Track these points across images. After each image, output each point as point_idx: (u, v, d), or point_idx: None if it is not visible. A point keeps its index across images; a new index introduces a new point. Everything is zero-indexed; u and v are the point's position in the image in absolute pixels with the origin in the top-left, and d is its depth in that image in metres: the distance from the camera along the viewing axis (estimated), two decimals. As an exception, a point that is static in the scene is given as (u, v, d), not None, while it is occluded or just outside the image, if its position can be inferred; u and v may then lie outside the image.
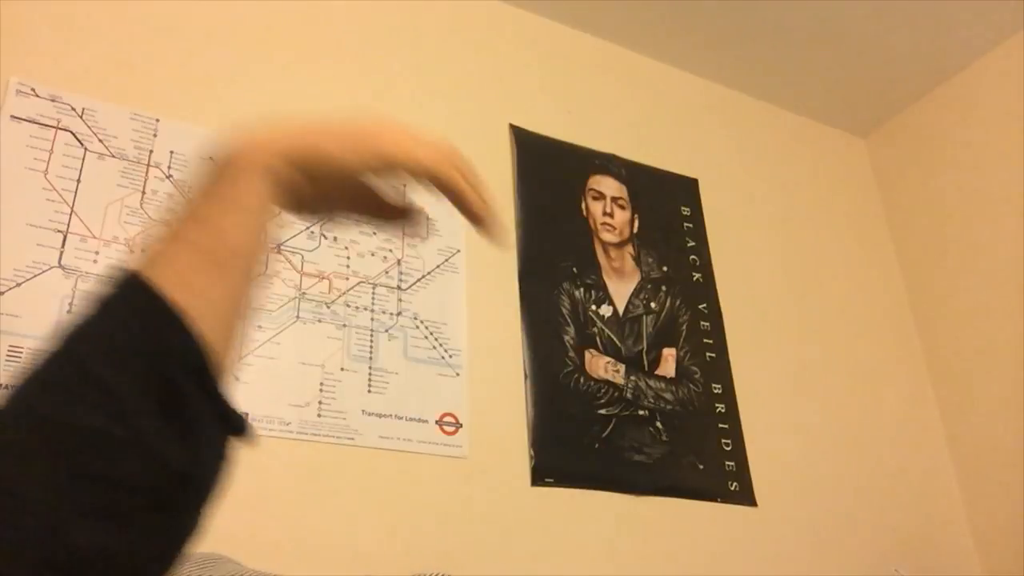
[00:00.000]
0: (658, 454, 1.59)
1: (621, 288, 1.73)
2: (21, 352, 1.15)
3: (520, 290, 1.61)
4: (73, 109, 1.33)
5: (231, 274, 0.43)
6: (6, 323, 1.15)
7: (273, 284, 1.37)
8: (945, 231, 2.09)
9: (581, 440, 1.53)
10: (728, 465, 1.66)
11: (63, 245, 1.23)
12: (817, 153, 2.26)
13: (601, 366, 1.62)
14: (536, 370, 1.54)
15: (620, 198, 1.83)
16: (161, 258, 0.42)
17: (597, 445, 1.54)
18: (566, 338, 1.61)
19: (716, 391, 1.72)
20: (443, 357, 1.47)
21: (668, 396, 1.66)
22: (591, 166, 1.83)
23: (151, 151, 1.36)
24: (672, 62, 2.11)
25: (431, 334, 1.48)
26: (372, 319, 1.44)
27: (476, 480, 1.40)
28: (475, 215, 0.53)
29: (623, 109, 1.97)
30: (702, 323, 1.79)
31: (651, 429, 1.60)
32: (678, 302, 1.78)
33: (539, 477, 1.46)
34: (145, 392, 0.37)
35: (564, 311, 1.63)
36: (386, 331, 1.44)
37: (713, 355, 1.77)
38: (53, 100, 1.32)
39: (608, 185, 1.83)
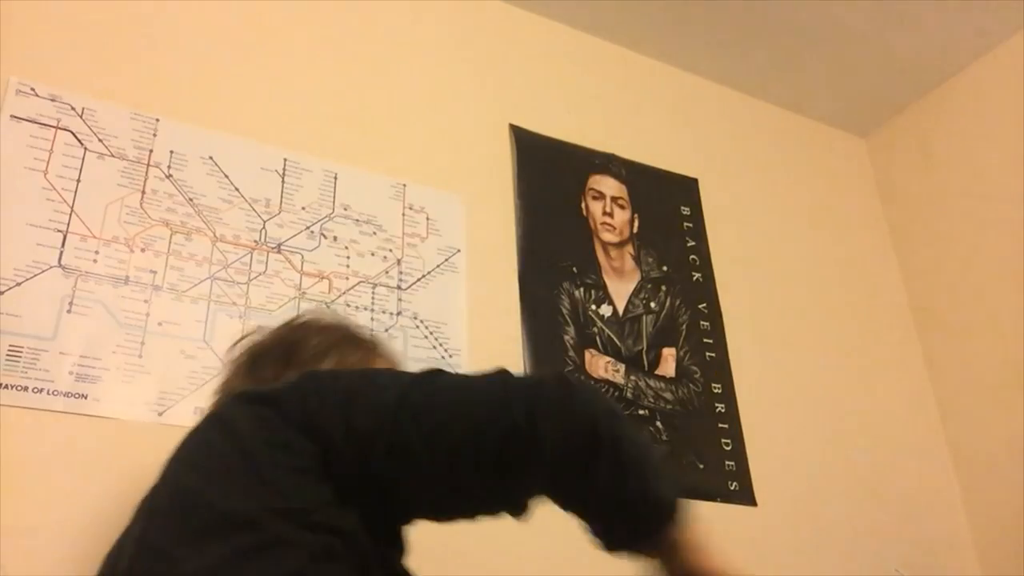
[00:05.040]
0: (658, 454, 1.59)
1: (621, 288, 1.73)
2: (21, 352, 1.14)
3: (520, 290, 1.61)
4: (73, 109, 1.33)
5: None
6: (6, 323, 1.15)
7: (273, 284, 1.37)
8: (945, 231, 2.09)
9: (581, 440, 1.52)
10: (728, 465, 1.66)
11: (63, 245, 1.23)
12: (817, 153, 2.26)
13: (601, 366, 1.62)
14: (536, 370, 1.54)
15: (620, 198, 1.83)
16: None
17: (597, 445, 1.53)
18: (566, 338, 1.61)
19: (716, 391, 1.72)
20: (443, 357, 1.47)
21: (668, 396, 1.66)
22: (591, 166, 1.83)
23: (151, 151, 1.36)
24: (672, 62, 2.11)
25: (431, 334, 1.48)
26: (372, 319, 1.43)
27: (476, 480, 1.40)
28: None
29: (623, 109, 1.97)
30: (702, 323, 1.79)
31: (651, 429, 1.60)
32: (678, 302, 1.78)
33: (539, 477, 1.45)
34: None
35: (564, 311, 1.63)
36: (386, 331, 1.44)
37: (713, 355, 1.77)
38: (53, 100, 1.32)
39: (608, 185, 1.83)
